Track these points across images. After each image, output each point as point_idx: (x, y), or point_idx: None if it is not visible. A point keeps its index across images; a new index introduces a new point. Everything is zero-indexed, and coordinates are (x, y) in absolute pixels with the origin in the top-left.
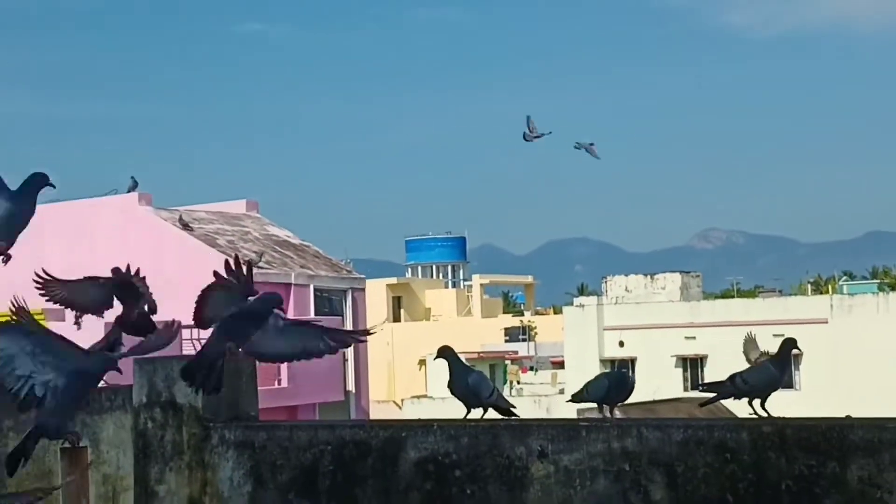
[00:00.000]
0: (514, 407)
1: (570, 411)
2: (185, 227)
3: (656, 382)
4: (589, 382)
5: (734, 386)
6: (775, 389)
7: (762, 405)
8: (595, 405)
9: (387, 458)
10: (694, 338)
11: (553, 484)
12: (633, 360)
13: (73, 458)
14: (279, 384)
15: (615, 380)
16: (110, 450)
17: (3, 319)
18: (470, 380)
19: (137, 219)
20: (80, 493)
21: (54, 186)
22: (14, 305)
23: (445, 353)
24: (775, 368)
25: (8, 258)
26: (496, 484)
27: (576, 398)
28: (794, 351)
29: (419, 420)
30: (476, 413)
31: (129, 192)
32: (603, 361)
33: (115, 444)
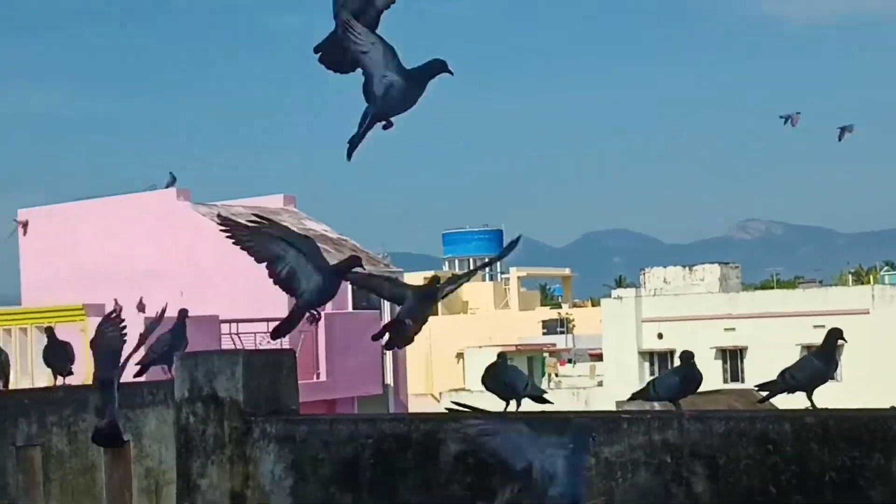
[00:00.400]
0: (545, 392)
1: (608, 404)
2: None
3: None
4: (656, 379)
5: (784, 382)
6: (823, 382)
7: (809, 398)
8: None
9: (427, 451)
10: (733, 329)
11: (594, 476)
12: (671, 353)
13: (116, 453)
14: (318, 378)
15: (684, 375)
16: (153, 444)
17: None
18: (507, 377)
19: (175, 214)
20: (123, 486)
21: (452, 73)
22: None
23: (499, 358)
24: (819, 360)
25: (389, 125)
26: None
27: (640, 395)
28: (840, 342)
29: (458, 411)
30: (512, 406)
31: (167, 187)
32: (641, 353)
33: (157, 439)
